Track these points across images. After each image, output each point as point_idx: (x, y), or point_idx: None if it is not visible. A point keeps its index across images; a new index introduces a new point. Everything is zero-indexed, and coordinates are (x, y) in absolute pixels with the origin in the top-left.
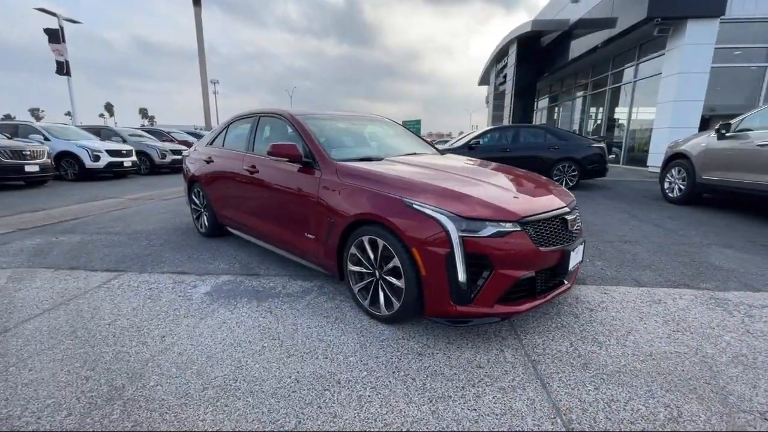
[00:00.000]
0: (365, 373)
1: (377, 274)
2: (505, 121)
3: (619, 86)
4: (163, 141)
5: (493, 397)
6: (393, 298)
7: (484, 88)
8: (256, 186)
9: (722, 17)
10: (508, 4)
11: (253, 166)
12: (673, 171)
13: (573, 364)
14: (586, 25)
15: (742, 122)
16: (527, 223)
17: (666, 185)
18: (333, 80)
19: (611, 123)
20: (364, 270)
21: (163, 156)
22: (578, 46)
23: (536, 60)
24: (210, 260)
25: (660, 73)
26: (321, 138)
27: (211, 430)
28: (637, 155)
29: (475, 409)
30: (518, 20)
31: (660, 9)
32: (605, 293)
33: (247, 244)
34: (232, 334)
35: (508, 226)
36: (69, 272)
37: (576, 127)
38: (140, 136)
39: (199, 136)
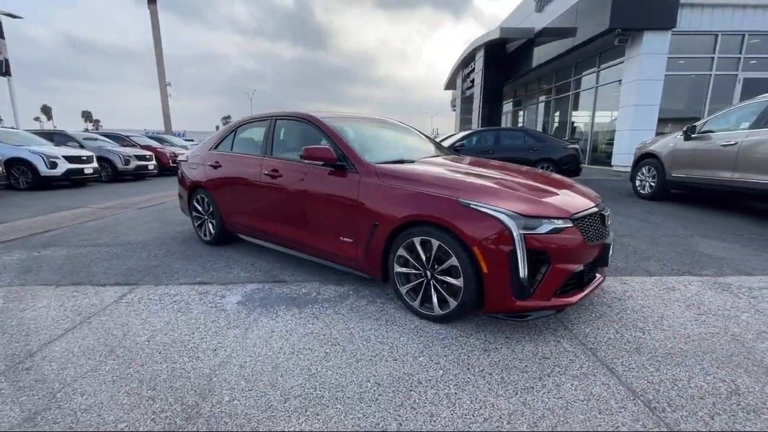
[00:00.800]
0: (441, 371)
1: (428, 274)
2: (474, 125)
3: (582, 91)
4: (125, 146)
5: (572, 385)
6: (448, 297)
7: (447, 93)
8: (279, 191)
9: (673, 29)
10: (456, 11)
11: (275, 170)
12: (643, 169)
13: (627, 349)
14: (550, 34)
15: (705, 125)
16: (576, 219)
17: (638, 182)
18: (289, 83)
19: (575, 126)
20: (413, 271)
21: (127, 162)
22: (543, 53)
23: (503, 65)
24: (226, 269)
25: (620, 80)
26: (351, 141)
27: None
28: (600, 156)
29: (561, 397)
30: (466, 28)
31: (620, 21)
32: (624, 283)
33: (261, 250)
34: (288, 342)
35: (562, 223)
36: (74, 288)
37: (540, 129)
38: (98, 140)
39: (161, 140)
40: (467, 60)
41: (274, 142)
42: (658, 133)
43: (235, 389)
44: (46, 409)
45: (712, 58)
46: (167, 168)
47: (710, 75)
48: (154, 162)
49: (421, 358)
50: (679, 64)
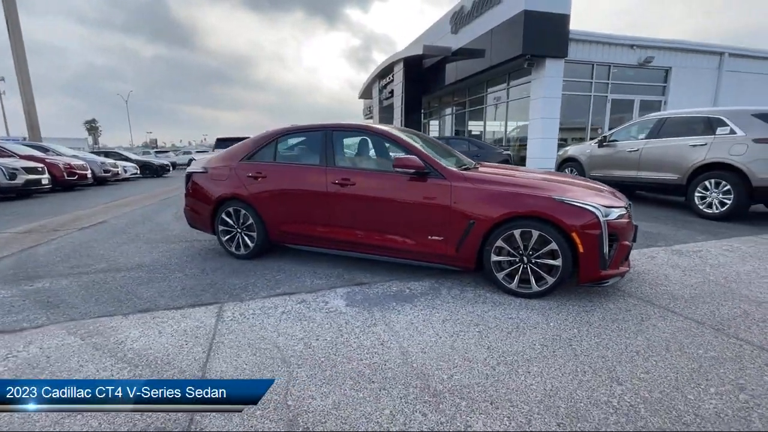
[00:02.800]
0: (576, 330)
1: (525, 259)
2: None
3: (494, 105)
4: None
5: (661, 324)
6: (546, 276)
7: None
8: (352, 198)
9: (566, 58)
10: (329, 18)
11: (346, 179)
12: (566, 170)
13: (667, 298)
14: (465, 54)
15: (612, 135)
16: (626, 208)
17: None
18: (157, 84)
19: (489, 135)
20: (509, 258)
21: (13, 176)
22: (459, 70)
23: (422, 79)
24: (294, 278)
25: (528, 96)
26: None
27: None
28: (513, 162)
29: (660, 332)
30: (339, 36)
31: (530, 48)
32: None
33: (311, 258)
34: (435, 329)
35: (623, 211)
36: (151, 315)
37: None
38: None
39: (44, 149)
40: (385, 72)
41: (335, 152)
42: (561, 141)
43: (436, 368)
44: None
45: (591, 82)
46: (61, 182)
47: (590, 95)
48: (47, 175)
49: (552, 323)
50: (570, 85)
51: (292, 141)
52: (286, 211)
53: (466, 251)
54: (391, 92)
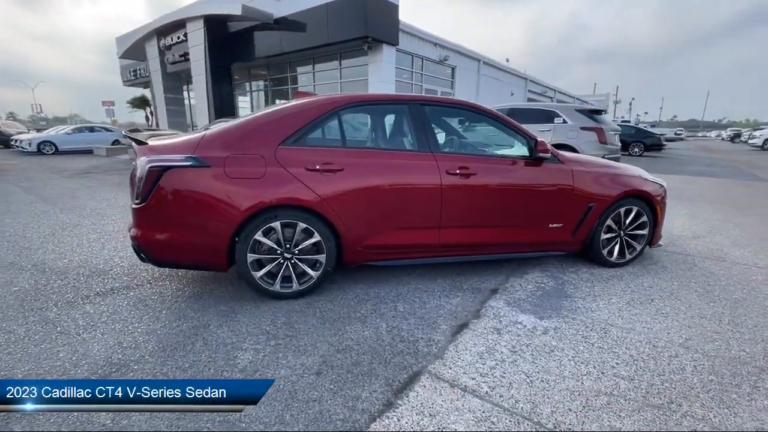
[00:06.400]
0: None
1: (622, 233)
2: (204, 108)
3: (327, 84)
4: None
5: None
6: (636, 245)
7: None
8: (472, 191)
9: (397, 47)
10: None
11: (464, 168)
12: None
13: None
14: (291, 25)
15: None
16: None
17: None
18: None
19: None
20: (612, 235)
21: None
22: (285, 42)
23: (231, 45)
24: (418, 305)
25: (363, 78)
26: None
27: None
28: None
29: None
30: None
31: (373, 31)
32: None
33: (371, 276)
34: (645, 320)
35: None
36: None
37: None
38: None
39: None
40: (168, 29)
41: (428, 134)
42: None
43: (699, 342)
44: None
45: (411, 72)
46: None
47: (411, 84)
48: None
49: (674, 280)
50: (398, 73)
51: (360, 116)
52: (377, 216)
53: (581, 234)
54: (184, 55)
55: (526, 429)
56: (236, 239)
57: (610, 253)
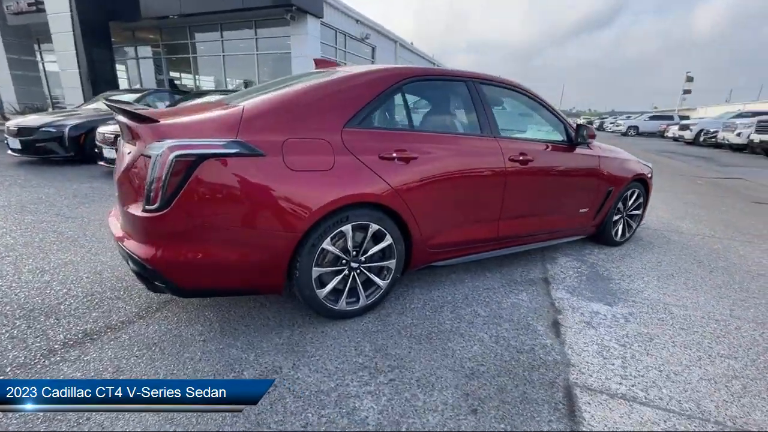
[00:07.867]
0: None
1: (624, 215)
2: (74, 77)
3: (237, 55)
4: None
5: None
6: (633, 223)
7: None
8: (530, 179)
9: (322, 20)
10: None
11: (524, 154)
12: None
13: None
14: None
15: None
16: None
17: None
18: None
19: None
20: (618, 216)
21: None
22: (184, 2)
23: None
24: (488, 305)
25: (289, 52)
26: None
27: None
28: None
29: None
30: None
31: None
32: None
33: (434, 279)
34: (701, 305)
35: None
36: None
37: (157, 87)
38: None
39: None
40: None
41: (488, 116)
42: None
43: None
44: None
45: (335, 48)
46: None
47: (336, 60)
48: None
49: (683, 254)
50: (322, 48)
51: (423, 93)
52: (446, 211)
53: (600, 218)
54: (35, 4)
55: (712, 430)
56: (299, 251)
57: (616, 233)
